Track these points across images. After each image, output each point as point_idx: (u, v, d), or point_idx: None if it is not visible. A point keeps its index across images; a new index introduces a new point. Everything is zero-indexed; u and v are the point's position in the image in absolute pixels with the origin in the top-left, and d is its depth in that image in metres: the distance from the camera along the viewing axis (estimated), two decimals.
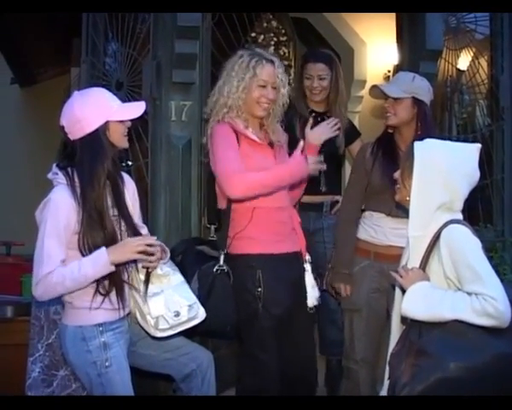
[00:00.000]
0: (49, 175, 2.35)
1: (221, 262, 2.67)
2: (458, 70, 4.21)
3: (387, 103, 2.92)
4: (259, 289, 2.61)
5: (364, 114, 5.91)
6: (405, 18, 3.92)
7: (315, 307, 2.81)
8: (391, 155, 2.89)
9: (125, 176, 2.47)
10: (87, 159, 2.28)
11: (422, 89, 2.92)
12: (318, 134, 2.97)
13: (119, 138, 2.36)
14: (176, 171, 3.31)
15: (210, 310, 2.50)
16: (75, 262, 2.22)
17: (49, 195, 2.28)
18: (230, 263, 2.67)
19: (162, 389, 2.93)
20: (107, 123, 2.31)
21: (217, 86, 2.76)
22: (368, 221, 2.98)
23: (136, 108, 2.40)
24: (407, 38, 3.92)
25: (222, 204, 2.74)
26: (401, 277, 2.13)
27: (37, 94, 6.41)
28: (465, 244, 2.08)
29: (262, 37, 5.28)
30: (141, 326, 2.43)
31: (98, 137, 2.29)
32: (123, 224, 2.35)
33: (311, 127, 2.99)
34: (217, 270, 2.66)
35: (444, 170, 2.13)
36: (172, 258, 2.56)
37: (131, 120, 2.39)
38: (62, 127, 2.32)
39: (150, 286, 2.41)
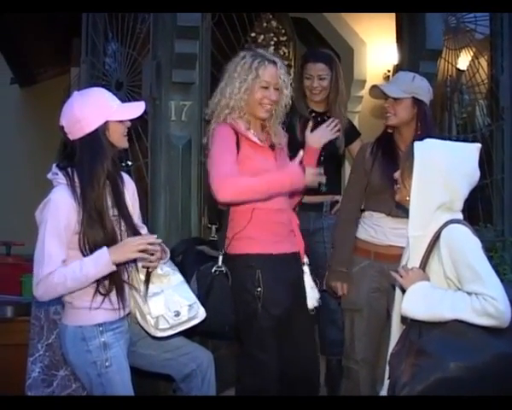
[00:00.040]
0: (49, 175, 2.35)
1: (219, 263, 2.66)
2: (458, 70, 4.21)
3: (387, 103, 2.92)
4: (259, 289, 2.61)
5: (364, 114, 5.90)
6: (405, 18, 3.92)
7: (315, 308, 2.81)
8: (391, 155, 2.89)
9: (125, 176, 2.47)
10: (87, 159, 2.28)
11: (422, 89, 2.92)
12: (318, 137, 2.95)
13: (119, 138, 2.36)
14: (176, 171, 3.31)
15: (208, 311, 2.50)
16: (76, 262, 2.22)
17: (49, 195, 2.28)
18: (229, 263, 2.66)
19: (162, 389, 2.93)
20: (106, 123, 2.30)
21: (219, 88, 2.74)
22: (368, 221, 2.98)
23: (136, 108, 2.40)
24: (407, 37, 3.91)
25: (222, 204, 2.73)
26: (401, 277, 2.13)
27: (37, 94, 6.41)
28: (465, 244, 2.08)
29: (262, 37, 5.26)
30: (141, 326, 2.43)
31: (98, 137, 2.29)
32: (123, 224, 2.35)
33: (311, 130, 2.98)
34: (215, 271, 2.65)
35: (444, 170, 2.13)
36: (172, 258, 2.56)
37: (131, 120, 2.39)
38: (62, 127, 2.32)
39: (150, 286, 2.42)
